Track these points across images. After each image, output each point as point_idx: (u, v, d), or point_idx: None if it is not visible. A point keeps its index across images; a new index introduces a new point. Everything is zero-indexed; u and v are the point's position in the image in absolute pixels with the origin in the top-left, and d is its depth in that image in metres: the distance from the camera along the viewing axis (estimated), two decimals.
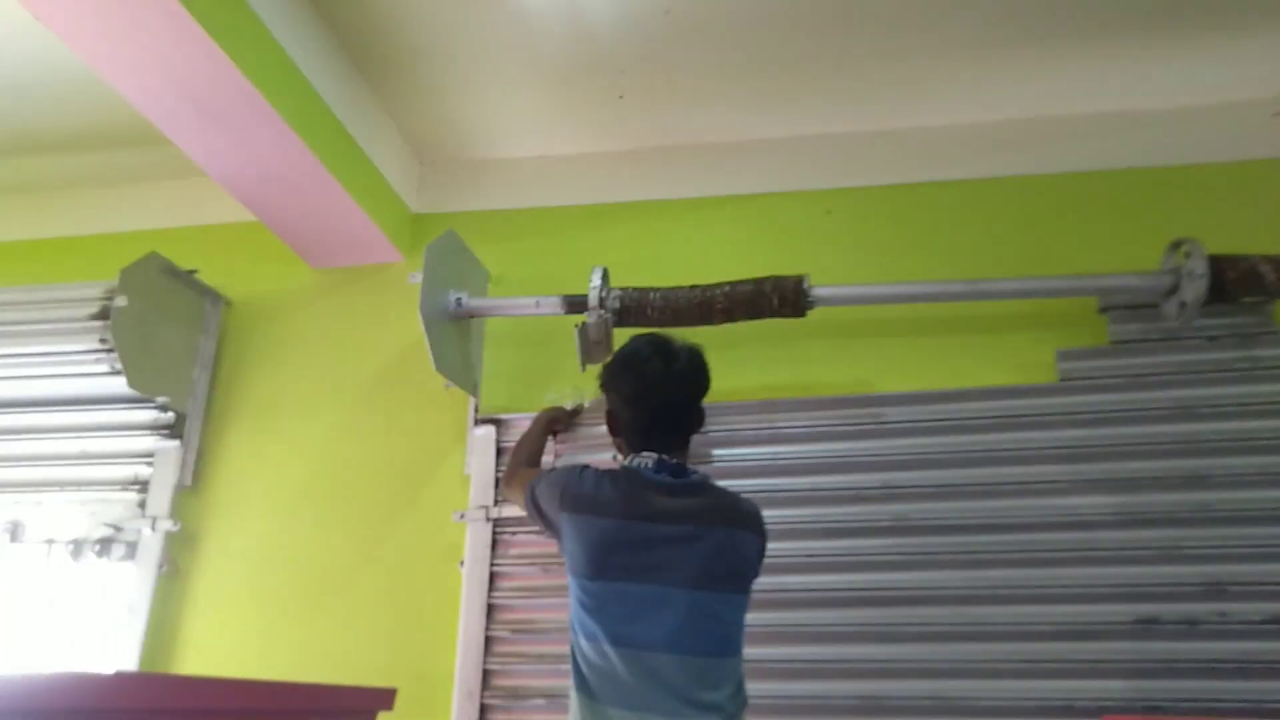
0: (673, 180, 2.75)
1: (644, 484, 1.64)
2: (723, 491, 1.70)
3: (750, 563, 1.65)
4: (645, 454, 1.69)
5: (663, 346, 1.75)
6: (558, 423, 2.40)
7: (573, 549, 1.62)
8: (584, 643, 1.59)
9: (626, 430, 1.75)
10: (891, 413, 2.33)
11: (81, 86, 2.61)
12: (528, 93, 2.62)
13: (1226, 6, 2.25)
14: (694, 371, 1.74)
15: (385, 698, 1.36)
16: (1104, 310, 2.32)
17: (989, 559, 2.18)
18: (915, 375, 2.38)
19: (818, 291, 2.25)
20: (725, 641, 1.58)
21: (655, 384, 1.69)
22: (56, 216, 3.14)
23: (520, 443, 2.23)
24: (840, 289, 2.27)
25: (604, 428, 1.86)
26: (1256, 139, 2.47)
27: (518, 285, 2.69)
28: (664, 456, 1.68)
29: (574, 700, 1.59)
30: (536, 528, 1.98)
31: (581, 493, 1.65)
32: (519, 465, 2.12)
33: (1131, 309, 2.29)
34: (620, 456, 1.79)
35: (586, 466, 1.73)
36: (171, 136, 2.26)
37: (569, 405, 2.44)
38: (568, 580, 1.66)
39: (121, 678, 1.00)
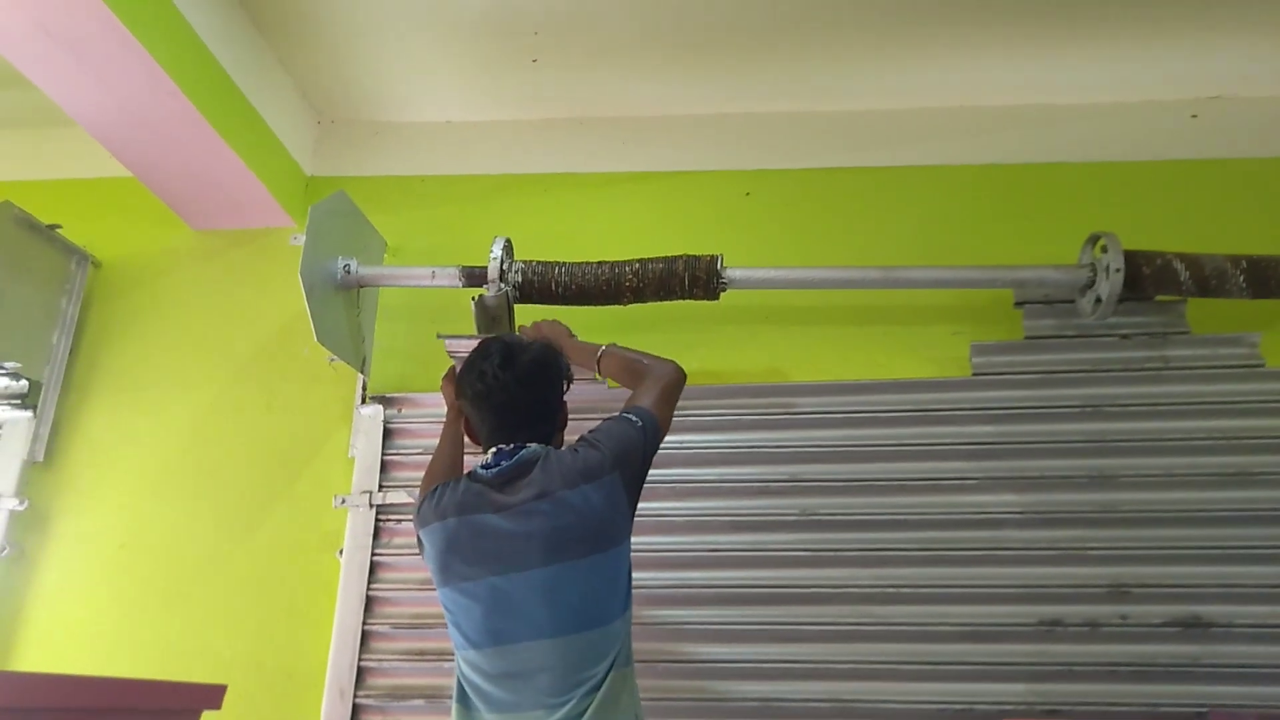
0: (586, 153, 2.61)
1: (478, 480, 1.54)
2: (561, 454, 1.55)
3: (608, 515, 1.50)
4: (489, 450, 1.59)
5: (509, 343, 1.64)
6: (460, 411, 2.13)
7: (427, 560, 1.55)
8: (458, 654, 1.52)
9: (479, 432, 1.63)
10: (803, 403, 2.24)
11: None
12: (435, 52, 2.45)
13: (1150, 4, 2.22)
14: (540, 367, 1.62)
15: (212, 696, 1.21)
16: (1019, 305, 2.27)
17: (895, 556, 2.11)
18: (829, 365, 2.30)
19: (731, 273, 2.15)
20: (592, 613, 1.46)
21: (496, 383, 1.57)
22: None
23: (435, 450, 1.95)
24: (754, 271, 2.17)
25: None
26: (1176, 140, 2.46)
27: (416, 257, 2.52)
28: (502, 446, 1.57)
29: (452, 714, 1.51)
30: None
31: (429, 507, 1.57)
32: (426, 477, 1.86)
33: (1047, 304, 2.25)
34: None
35: (450, 480, 1.61)
36: (24, 70, 2.03)
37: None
38: None
39: None
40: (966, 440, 2.17)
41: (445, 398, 2.06)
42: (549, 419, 1.63)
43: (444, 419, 2.02)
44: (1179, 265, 2.07)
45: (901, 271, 2.16)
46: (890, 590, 2.08)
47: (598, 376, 1.92)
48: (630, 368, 1.81)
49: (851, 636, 2.06)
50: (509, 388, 1.56)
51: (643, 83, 2.54)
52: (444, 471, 1.81)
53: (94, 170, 2.71)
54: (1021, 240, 2.37)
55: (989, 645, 2.03)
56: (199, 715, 1.26)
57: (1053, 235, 2.33)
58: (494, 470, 1.53)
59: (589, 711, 1.40)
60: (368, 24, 2.33)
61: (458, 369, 2.05)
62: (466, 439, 1.72)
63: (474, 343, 1.83)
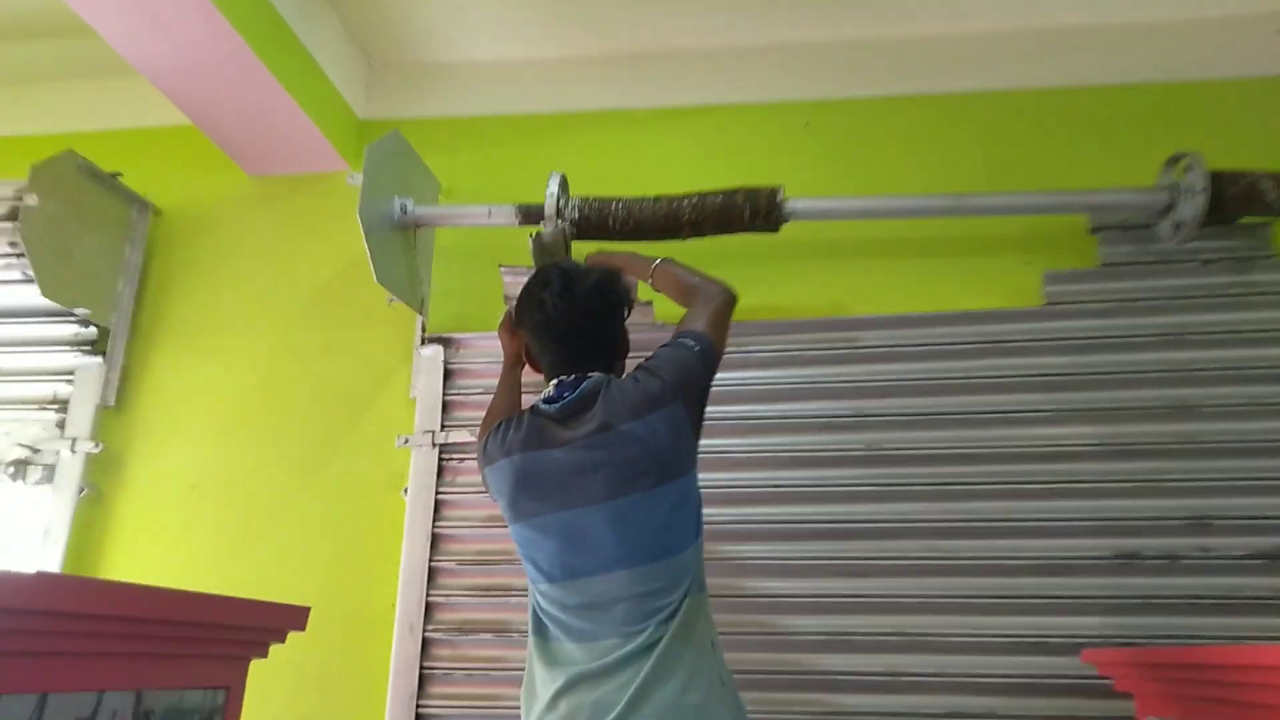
0: (641, 88, 2.55)
1: (541, 414, 1.53)
2: (622, 382, 1.52)
3: (674, 443, 1.47)
4: (552, 382, 1.56)
5: (568, 270, 1.61)
6: (518, 355, 1.92)
7: (495, 496, 1.56)
8: (532, 587, 1.53)
9: (542, 364, 1.62)
10: (867, 337, 2.19)
11: None
12: None
13: None
14: (601, 293, 1.59)
15: (297, 616, 1.22)
16: (1094, 231, 2.19)
17: (964, 491, 2.06)
18: (893, 298, 2.24)
19: (793, 204, 2.09)
20: (664, 543, 1.45)
21: (555, 311, 1.55)
22: None
23: (492, 399, 1.89)
24: (817, 201, 2.12)
25: None
26: (1259, 56, 2.33)
27: (470, 197, 2.50)
28: (564, 377, 1.55)
29: (529, 644, 1.53)
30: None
31: (493, 444, 1.56)
32: (486, 417, 1.83)
33: (1123, 230, 2.16)
34: None
35: (512, 416, 1.60)
36: (86, 17, 2.02)
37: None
38: None
39: (9, 576, 0.88)
40: (1039, 372, 2.11)
41: (502, 345, 2.03)
42: (611, 347, 1.61)
43: (502, 360, 2.02)
44: (1267, 185, 1.97)
45: (970, 199, 2.09)
46: (959, 525, 2.05)
47: (648, 284, 1.87)
48: (683, 285, 1.78)
49: (920, 571, 2.04)
50: (569, 316, 1.54)
51: (698, 13, 2.47)
52: (503, 416, 1.78)
53: (152, 119, 2.72)
54: (1094, 166, 2.28)
55: (1063, 579, 1.99)
56: (285, 635, 1.28)
57: (1130, 160, 2.24)
58: (556, 404, 1.51)
59: (665, 639, 1.39)
60: None
61: (513, 314, 2.05)
62: (529, 369, 1.70)
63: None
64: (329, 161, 2.56)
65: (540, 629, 1.51)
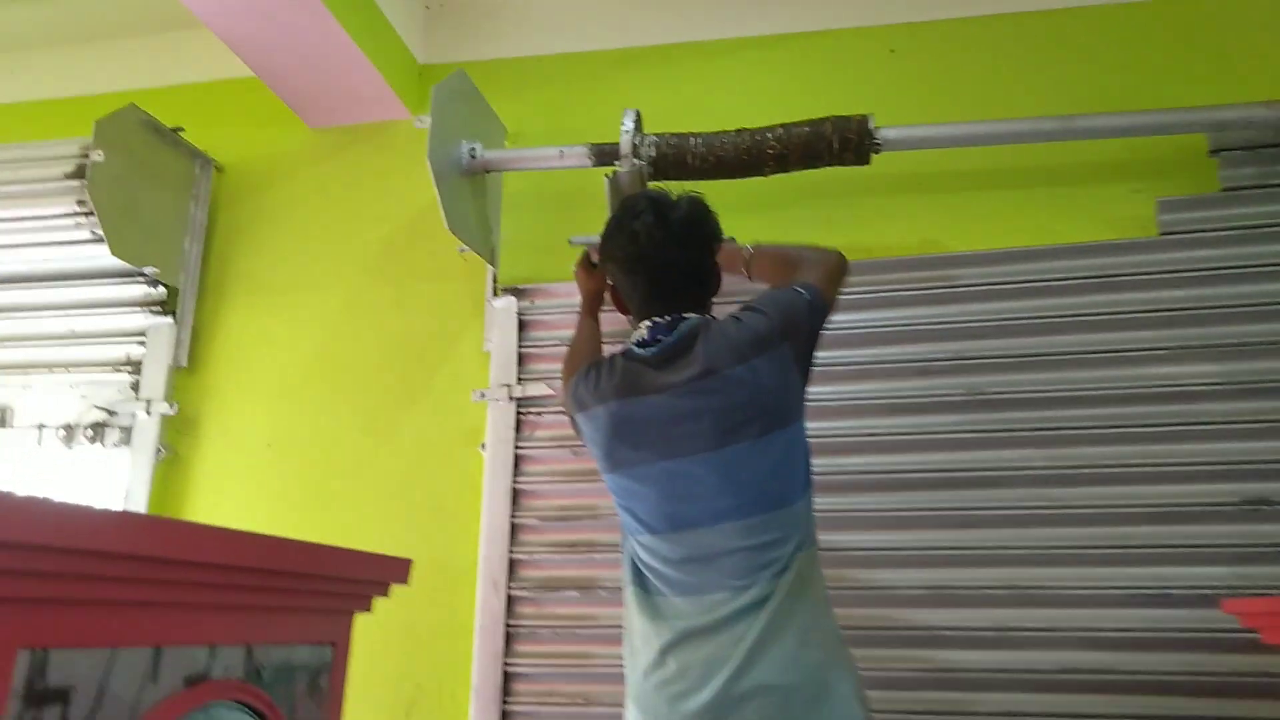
0: (713, 19, 2.41)
1: (636, 358, 1.44)
2: (724, 323, 1.43)
3: (781, 389, 1.38)
4: (642, 324, 1.47)
5: (658, 200, 1.50)
6: (599, 295, 1.91)
7: (590, 447, 1.49)
8: (631, 538, 1.46)
9: (632, 302, 1.52)
10: (965, 274, 2.06)
11: None
12: None
13: None
14: (694, 223, 1.49)
15: (399, 569, 1.16)
16: (1215, 153, 2.01)
17: (1076, 435, 1.94)
18: (991, 233, 2.10)
19: (885, 133, 1.96)
20: (773, 493, 1.36)
21: (650, 242, 1.45)
22: (24, 77, 2.83)
23: (570, 346, 1.82)
24: (912, 130, 1.98)
25: None
26: None
27: (536, 141, 2.39)
28: (658, 319, 1.45)
29: (628, 596, 1.45)
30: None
31: (585, 389, 1.48)
32: (568, 360, 1.76)
33: (1248, 150, 1.99)
34: None
35: (602, 360, 1.51)
36: None
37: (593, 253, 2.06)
38: None
39: (131, 517, 0.82)
40: (1155, 307, 1.96)
41: (580, 286, 1.95)
42: (705, 282, 1.51)
43: (578, 309, 1.95)
44: None
45: (1080, 120, 1.94)
46: (1070, 471, 1.92)
47: (744, 275, 1.76)
48: (785, 259, 1.66)
49: (1028, 521, 1.92)
50: (663, 248, 1.44)
51: None
52: (585, 360, 1.68)
53: (210, 73, 2.67)
54: (1209, 84, 2.08)
55: (1185, 526, 1.86)
56: (388, 588, 1.22)
57: (1247, 75, 2.06)
58: (652, 348, 1.42)
59: (776, 594, 1.31)
60: None
61: (593, 255, 1.96)
62: (615, 310, 1.61)
63: None
64: (390, 109, 2.48)
65: (640, 581, 1.43)
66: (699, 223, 1.49)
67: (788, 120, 2.02)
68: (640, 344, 1.45)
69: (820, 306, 1.45)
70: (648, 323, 1.45)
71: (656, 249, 1.45)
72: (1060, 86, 2.18)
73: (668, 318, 1.44)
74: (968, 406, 1.99)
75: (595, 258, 1.89)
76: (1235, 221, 1.97)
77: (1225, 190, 2.00)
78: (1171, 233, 2.00)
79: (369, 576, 1.16)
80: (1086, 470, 1.92)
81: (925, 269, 2.08)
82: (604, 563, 2.06)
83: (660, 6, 2.46)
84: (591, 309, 1.90)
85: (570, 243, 2.18)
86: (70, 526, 0.77)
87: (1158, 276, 1.98)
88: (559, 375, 2.14)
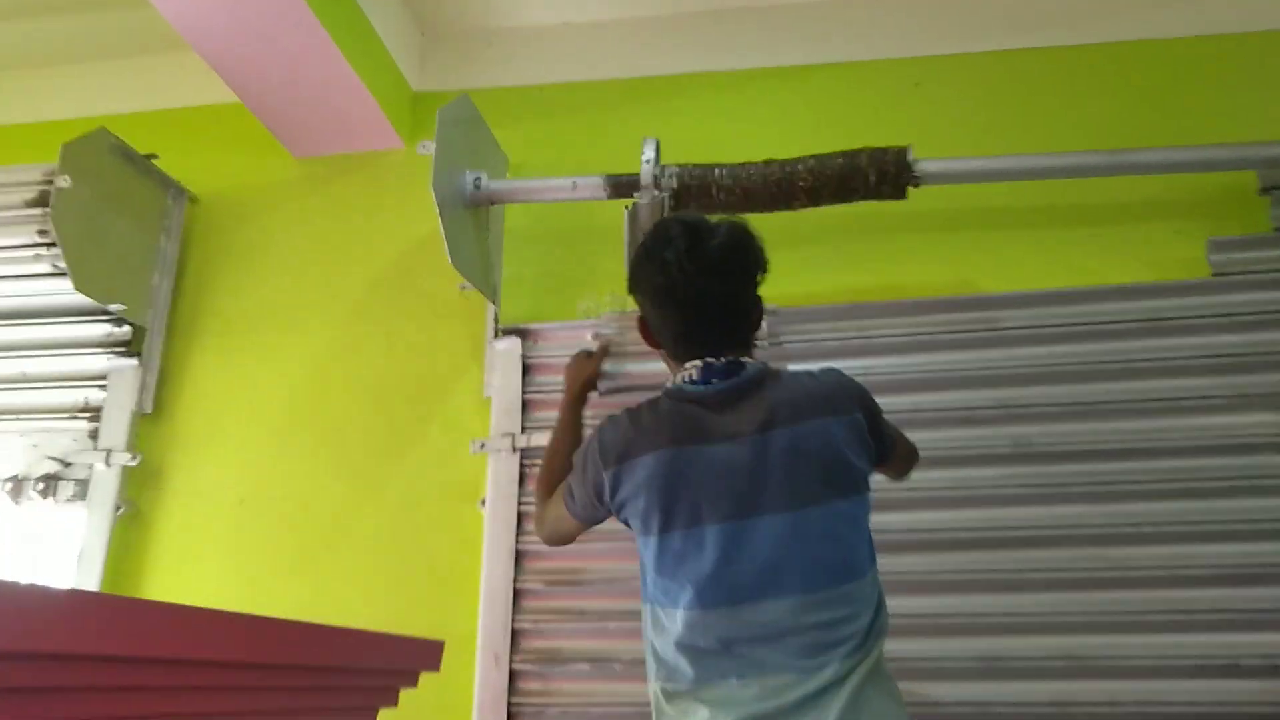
0: (726, 48, 2.30)
1: (690, 399, 1.27)
2: (791, 376, 1.30)
3: (848, 454, 1.24)
4: (689, 365, 1.30)
5: (693, 225, 1.33)
6: (589, 385, 1.79)
7: (631, 504, 1.26)
8: (663, 614, 1.24)
9: (665, 338, 1.35)
10: (1007, 317, 1.93)
11: None
12: None
13: None
14: (735, 251, 1.31)
15: (430, 654, 0.96)
16: (1265, 191, 1.91)
17: (1131, 490, 1.80)
18: (1032, 273, 1.98)
19: (924, 166, 1.84)
20: (845, 563, 1.20)
21: (681, 273, 1.27)
22: None
23: (549, 446, 1.64)
24: (953, 163, 1.86)
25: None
26: None
27: (541, 172, 2.25)
28: (711, 360, 1.28)
29: (660, 688, 1.23)
30: (596, 523, 1.41)
31: (618, 437, 1.29)
32: (542, 494, 1.54)
33: None
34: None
35: (616, 413, 1.34)
36: None
37: (592, 342, 1.95)
38: (638, 546, 1.30)
39: (81, 598, 0.62)
40: (1209, 352, 1.84)
41: (567, 381, 1.77)
42: (745, 316, 1.33)
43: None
44: None
45: (1128, 155, 1.84)
46: (1128, 530, 1.78)
47: None
48: None
49: (1084, 584, 1.77)
50: (696, 278, 1.26)
51: None
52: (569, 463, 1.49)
53: (185, 99, 2.50)
54: (1254, 120, 2.00)
55: (1254, 590, 1.72)
56: (417, 678, 1.02)
57: None
58: (707, 388, 1.25)
59: (852, 677, 1.14)
60: None
61: (599, 353, 1.82)
62: (644, 344, 1.43)
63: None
64: (382, 138, 2.32)
65: (674, 672, 1.22)
66: (739, 251, 1.32)
67: (807, 153, 1.89)
68: (690, 382, 1.28)
69: (883, 423, 1.33)
70: (697, 363, 1.28)
71: (689, 280, 1.28)
72: (1090, 124, 2.10)
73: (723, 359, 1.27)
74: (1014, 459, 1.85)
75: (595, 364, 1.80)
76: None
77: (1278, 230, 1.89)
78: (1223, 274, 1.89)
79: (396, 664, 0.95)
80: (1145, 529, 1.77)
81: (964, 310, 1.94)
82: (618, 633, 1.87)
83: (669, 36, 2.34)
84: (578, 400, 1.73)
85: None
86: (16, 618, 0.57)
87: (1210, 320, 1.86)
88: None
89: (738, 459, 1.19)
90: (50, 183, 2.06)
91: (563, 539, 1.52)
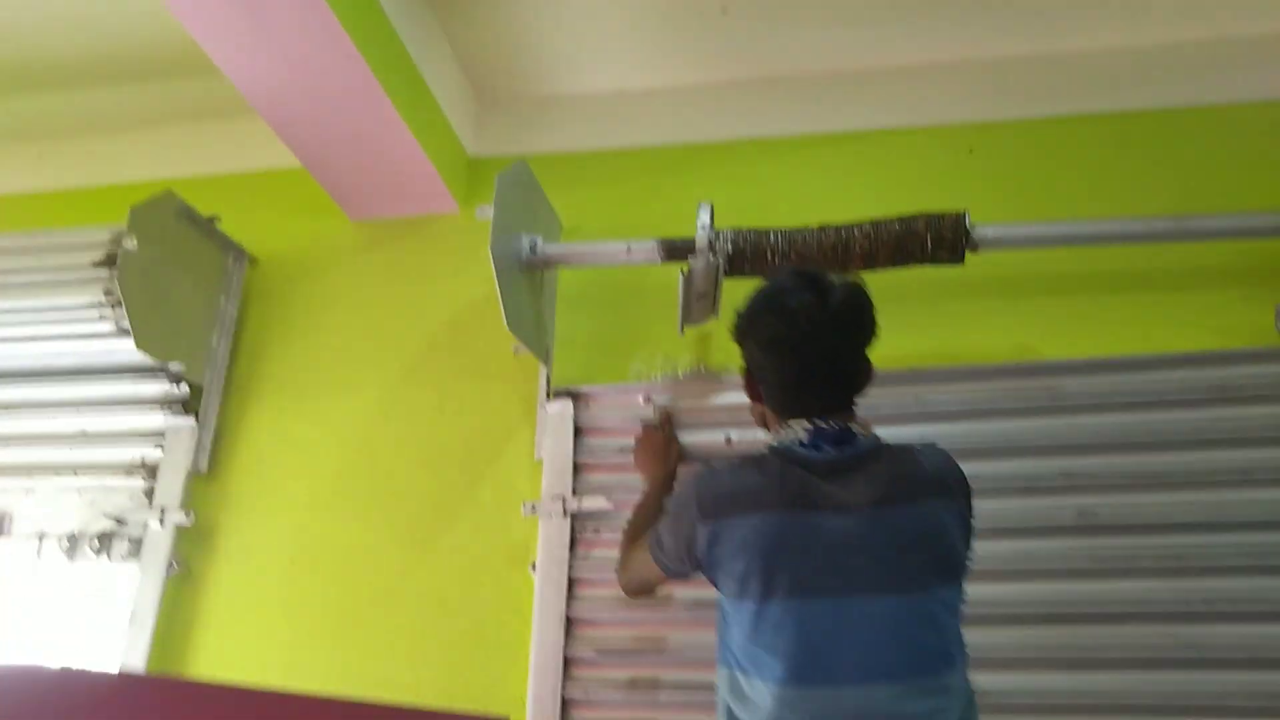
0: (782, 114, 2.32)
1: (799, 463, 1.24)
2: (902, 452, 1.28)
3: (956, 541, 1.22)
4: (795, 424, 1.28)
5: (814, 278, 1.32)
6: (672, 476, 1.82)
7: (726, 564, 1.22)
8: (746, 683, 1.20)
9: (772, 391, 1.33)
10: (1070, 384, 1.88)
11: (80, 2, 2.23)
12: (607, 12, 2.21)
13: None
14: (857, 309, 1.31)
15: None
16: None
17: (1203, 565, 1.73)
18: (1094, 339, 1.95)
19: (982, 231, 1.83)
20: (944, 653, 1.17)
21: (808, 323, 1.26)
22: (57, 165, 2.74)
23: (633, 519, 1.69)
24: (1012, 228, 1.84)
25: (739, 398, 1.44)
26: None
27: (593, 236, 2.25)
28: (821, 424, 1.25)
29: None
30: (680, 577, 1.42)
31: (720, 490, 1.26)
32: (632, 538, 1.60)
33: None
34: (768, 433, 1.39)
35: (710, 464, 1.32)
36: (200, 38, 1.84)
37: (645, 406, 1.99)
38: (720, 606, 1.28)
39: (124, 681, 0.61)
40: None
41: (643, 470, 1.82)
42: (855, 378, 1.32)
43: (642, 427, 1.87)
44: None
45: (1195, 220, 1.81)
46: (1201, 608, 1.71)
47: None
48: None
49: (1159, 664, 1.70)
50: (823, 332, 1.25)
51: (842, 32, 2.24)
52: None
53: (247, 164, 2.56)
54: None
55: None
56: None
57: None
58: (821, 454, 1.23)
59: None
60: None
61: (665, 424, 1.87)
62: (699, 407, 1.41)
63: None
64: (438, 202, 2.36)
65: None
66: (860, 309, 1.31)
67: (861, 218, 1.89)
68: (802, 445, 1.25)
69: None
70: (806, 424, 1.26)
71: (816, 332, 1.26)
72: (1144, 191, 2.07)
73: (834, 425, 1.25)
74: (1079, 531, 1.79)
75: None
76: None
77: None
78: None
79: None
80: (1219, 605, 1.70)
81: (1023, 377, 1.91)
82: (670, 705, 1.82)
83: (724, 102, 2.37)
84: (670, 481, 1.74)
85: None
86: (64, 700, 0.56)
87: None
88: (619, 487, 1.97)
89: (849, 533, 1.17)
90: (118, 244, 2.12)
91: (644, 589, 1.51)
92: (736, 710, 1.21)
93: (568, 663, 1.88)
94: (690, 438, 1.94)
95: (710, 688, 1.78)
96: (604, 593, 1.92)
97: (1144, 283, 1.97)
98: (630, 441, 1.98)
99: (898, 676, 1.13)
